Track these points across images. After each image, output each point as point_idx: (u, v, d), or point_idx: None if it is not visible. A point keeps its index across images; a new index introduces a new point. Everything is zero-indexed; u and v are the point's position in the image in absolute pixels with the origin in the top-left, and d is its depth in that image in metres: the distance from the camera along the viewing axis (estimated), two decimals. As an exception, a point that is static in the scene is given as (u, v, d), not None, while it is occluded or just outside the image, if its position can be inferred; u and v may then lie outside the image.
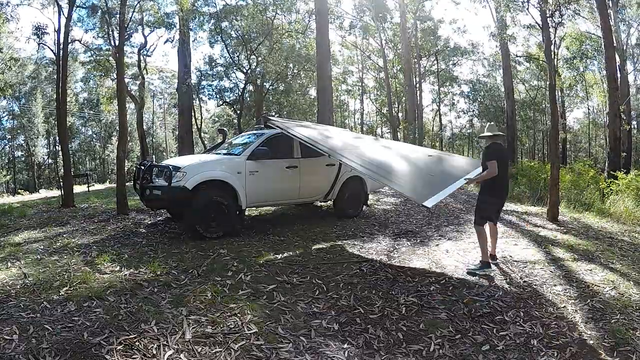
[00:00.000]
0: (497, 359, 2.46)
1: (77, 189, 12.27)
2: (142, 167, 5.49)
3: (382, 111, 28.82)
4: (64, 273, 3.55)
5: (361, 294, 3.34)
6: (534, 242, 5.10)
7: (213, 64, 19.34)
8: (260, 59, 17.20)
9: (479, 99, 25.91)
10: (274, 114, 20.07)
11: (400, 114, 23.49)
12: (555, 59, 9.60)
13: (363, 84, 28.68)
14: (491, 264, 4.00)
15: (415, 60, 22.07)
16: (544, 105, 24.18)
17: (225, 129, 7.80)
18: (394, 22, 21.23)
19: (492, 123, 4.86)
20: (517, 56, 22.58)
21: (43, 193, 16.05)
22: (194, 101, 18.63)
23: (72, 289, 3.16)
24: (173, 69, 25.70)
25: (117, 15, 8.50)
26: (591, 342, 2.64)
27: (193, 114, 17.66)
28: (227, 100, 20.04)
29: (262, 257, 4.21)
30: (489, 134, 4.12)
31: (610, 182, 8.68)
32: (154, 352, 2.32)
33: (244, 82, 18.78)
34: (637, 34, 19.49)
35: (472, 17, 66.07)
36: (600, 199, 8.54)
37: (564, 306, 3.17)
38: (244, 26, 17.22)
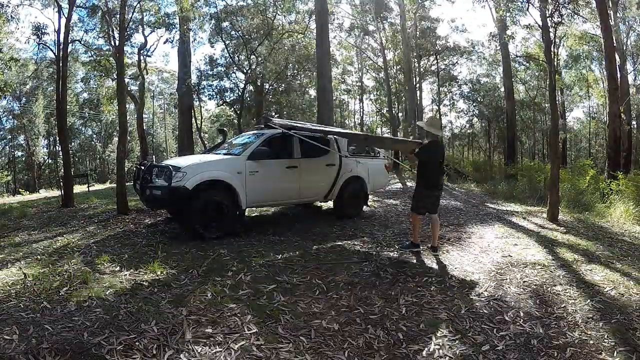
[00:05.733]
0: (497, 359, 2.46)
1: (77, 189, 12.27)
2: (142, 167, 5.50)
3: (382, 111, 28.81)
4: (64, 273, 3.56)
5: (361, 294, 3.34)
6: (534, 242, 5.10)
7: (213, 64, 19.34)
8: (260, 59, 17.20)
9: (479, 99, 25.86)
10: (274, 113, 20.09)
11: (400, 114, 23.48)
12: (555, 59, 9.60)
13: (362, 84, 28.68)
14: (419, 246, 4.59)
15: (415, 60, 22.06)
16: (544, 105, 24.16)
17: (225, 129, 7.81)
18: (393, 22, 21.22)
19: (437, 118, 5.09)
20: (517, 56, 22.56)
21: (43, 193, 16.06)
22: (194, 101, 18.63)
23: (72, 289, 3.16)
24: (173, 69, 25.78)
25: (117, 16, 8.50)
26: (591, 342, 2.64)
27: (193, 114, 17.66)
28: (227, 100, 20.03)
29: (262, 257, 4.21)
30: (431, 130, 4.53)
31: (610, 182, 8.68)
32: (154, 352, 2.32)
33: (244, 82, 18.79)
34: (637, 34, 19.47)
35: (471, 16, 65.86)
36: (600, 199, 8.54)
37: (564, 306, 3.17)
38: (244, 26, 17.22)
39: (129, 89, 15.04)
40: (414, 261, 4.29)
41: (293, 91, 21.01)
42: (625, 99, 12.95)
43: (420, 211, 4.56)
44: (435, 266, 4.13)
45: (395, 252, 4.61)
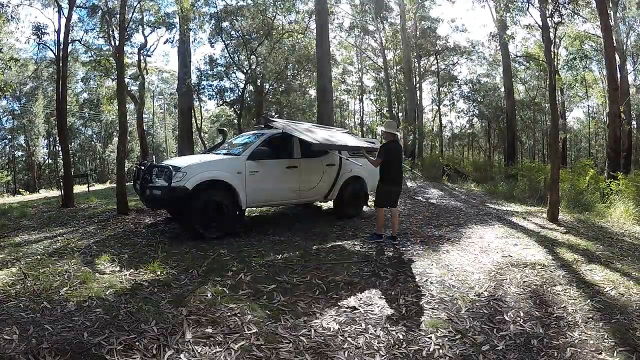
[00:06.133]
0: (497, 359, 2.46)
1: (77, 189, 12.27)
2: (142, 167, 5.50)
3: (382, 111, 28.81)
4: (64, 273, 3.55)
5: (361, 294, 3.34)
6: (534, 242, 5.11)
7: (213, 64, 19.33)
8: (260, 59, 17.20)
9: (479, 99, 25.86)
10: (274, 113, 20.09)
11: (400, 114, 23.47)
12: (555, 59, 9.60)
13: (362, 84, 28.68)
14: (382, 237, 5.01)
15: (415, 60, 22.06)
16: (544, 105, 24.17)
17: (225, 129, 7.81)
18: (393, 22, 21.21)
19: (392, 121, 5.57)
20: (517, 56, 22.56)
21: (43, 193, 16.06)
22: (194, 101, 18.63)
23: (72, 289, 3.17)
24: (173, 69, 25.76)
25: (117, 16, 8.51)
26: (591, 342, 2.64)
27: (193, 114, 17.66)
28: (227, 100, 20.02)
29: (262, 257, 4.21)
30: (389, 130, 5.03)
31: (610, 182, 8.68)
32: (154, 352, 2.32)
33: (244, 82, 18.78)
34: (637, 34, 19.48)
35: (471, 16, 65.76)
36: (600, 199, 8.54)
37: (564, 306, 3.17)
38: (244, 26, 17.22)
39: (129, 89, 15.05)
40: (414, 261, 4.29)
41: (293, 91, 20.99)
42: (625, 99, 12.95)
43: (383, 205, 5.04)
44: (435, 265, 4.13)
45: (395, 252, 4.61)
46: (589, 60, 20.66)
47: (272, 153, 5.50)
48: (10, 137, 28.76)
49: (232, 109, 20.83)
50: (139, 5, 11.95)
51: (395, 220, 5.11)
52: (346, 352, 2.46)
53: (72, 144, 29.65)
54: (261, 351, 2.41)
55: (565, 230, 5.84)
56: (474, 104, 26.82)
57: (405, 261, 4.29)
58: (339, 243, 5.00)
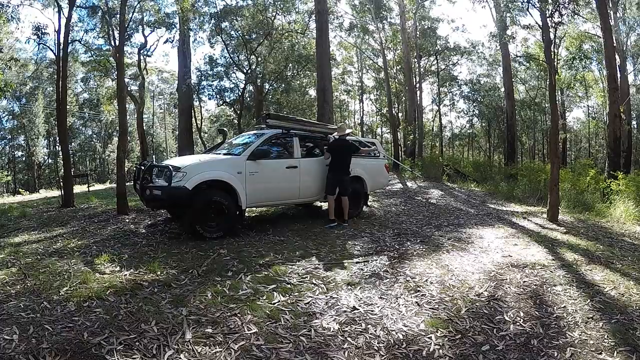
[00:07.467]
0: (497, 359, 2.46)
1: (77, 189, 12.28)
2: (142, 167, 5.50)
3: (382, 111, 28.81)
4: (64, 273, 3.55)
5: (360, 294, 3.34)
6: (534, 242, 5.10)
7: (213, 64, 19.32)
8: (260, 59, 17.20)
9: (479, 99, 25.86)
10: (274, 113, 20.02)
11: (400, 114, 23.46)
12: (555, 59, 9.60)
13: (362, 84, 28.67)
14: (336, 222, 5.85)
15: (415, 60, 22.06)
16: (544, 105, 24.16)
17: (225, 129, 7.81)
18: (393, 22, 21.22)
19: (344, 124, 6.42)
20: (517, 56, 22.56)
21: (43, 193, 16.07)
22: (194, 101, 18.63)
23: (72, 289, 3.16)
24: (173, 69, 25.83)
25: (117, 16, 8.51)
26: (591, 342, 2.64)
27: (193, 114, 17.65)
28: (227, 100, 20.01)
29: (262, 257, 4.21)
30: (338, 132, 6.17)
31: (611, 182, 8.68)
32: (154, 352, 2.32)
33: (244, 82, 18.78)
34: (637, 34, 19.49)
35: (471, 16, 65.75)
36: (600, 199, 8.54)
37: (564, 306, 3.17)
38: (244, 26, 17.23)
39: (129, 89, 15.05)
40: (414, 261, 4.29)
41: (293, 91, 21.00)
42: (625, 99, 12.96)
43: (329, 192, 5.89)
44: (435, 265, 4.13)
45: (395, 252, 4.61)
46: (589, 60, 20.65)
47: (272, 153, 5.50)
48: (10, 137, 28.79)
49: (232, 109, 20.83)
50: (139, 5, 11.96)
51: (345, 206, 5.92)
52: (346, 352, 2.46)
53: (72, 144, 29.68)
54: (261, 351, 2.41)
55: (565, 230, 5.84)
56: (474, 104, 26.83)
57: (405, 261, 4.29)
58: (339, 243, 5.00)
